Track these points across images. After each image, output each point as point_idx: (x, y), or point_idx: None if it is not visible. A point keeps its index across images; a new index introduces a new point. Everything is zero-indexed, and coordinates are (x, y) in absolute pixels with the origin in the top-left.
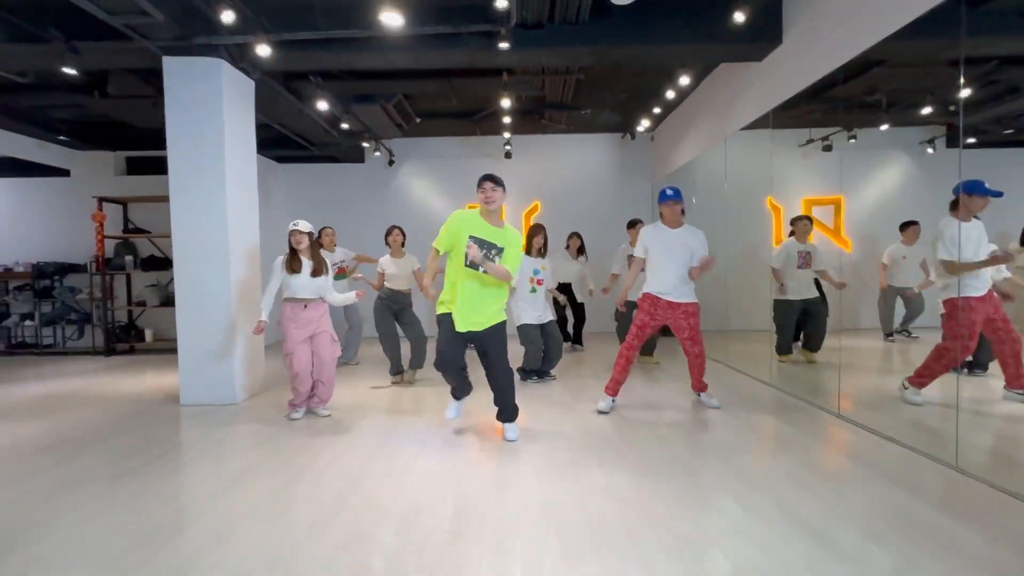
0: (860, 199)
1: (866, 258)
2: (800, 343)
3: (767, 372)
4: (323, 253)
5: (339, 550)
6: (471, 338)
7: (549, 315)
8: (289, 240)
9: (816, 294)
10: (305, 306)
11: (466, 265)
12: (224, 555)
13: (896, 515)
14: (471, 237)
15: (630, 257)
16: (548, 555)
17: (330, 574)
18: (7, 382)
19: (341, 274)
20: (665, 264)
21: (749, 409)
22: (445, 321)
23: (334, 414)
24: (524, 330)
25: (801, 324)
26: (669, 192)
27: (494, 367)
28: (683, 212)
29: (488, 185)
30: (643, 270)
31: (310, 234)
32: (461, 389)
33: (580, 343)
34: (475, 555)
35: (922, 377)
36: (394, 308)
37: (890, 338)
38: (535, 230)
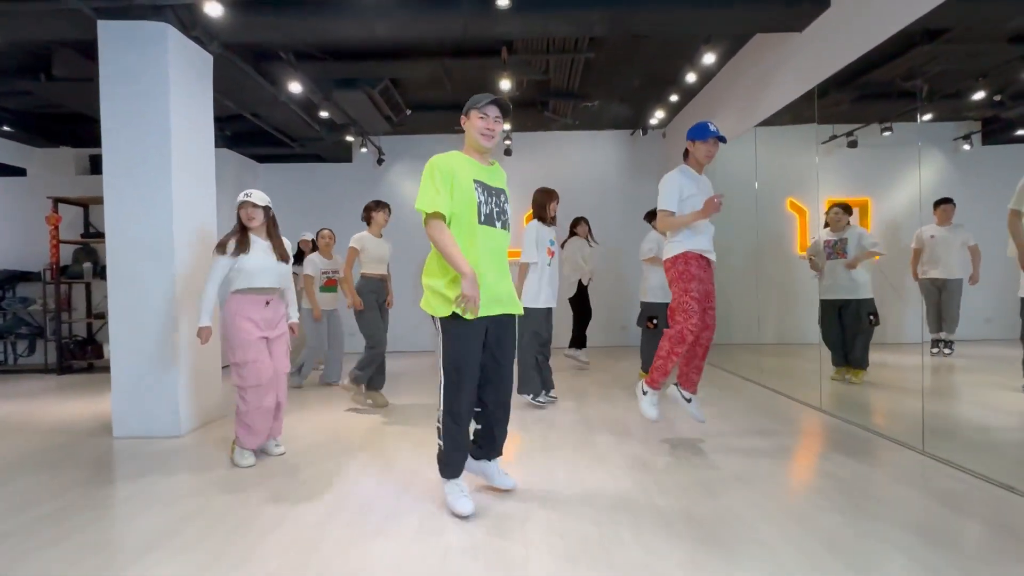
0: (891, 199)
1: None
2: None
3: (815, 395)
4: (316, 258)
5: None
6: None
7: (554, 299)
8: (238, 215)
9: (861, 295)
10: (267, 302)
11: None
12: None
13: None
14: (476, 184)
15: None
16: None
17: None
18: None
19: (331, 286)
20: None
21: (810, 443)
22: (457, 326)
23: (287, 453)
24: (531, 315)
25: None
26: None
27: (505, 369)
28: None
29: (494, 112)
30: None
31: (266, 209)
32: (464, 449)
33: (583, 346)
34: None
35: None
36: (379, 299)
37: (937, 348)
38: (549, 195)
